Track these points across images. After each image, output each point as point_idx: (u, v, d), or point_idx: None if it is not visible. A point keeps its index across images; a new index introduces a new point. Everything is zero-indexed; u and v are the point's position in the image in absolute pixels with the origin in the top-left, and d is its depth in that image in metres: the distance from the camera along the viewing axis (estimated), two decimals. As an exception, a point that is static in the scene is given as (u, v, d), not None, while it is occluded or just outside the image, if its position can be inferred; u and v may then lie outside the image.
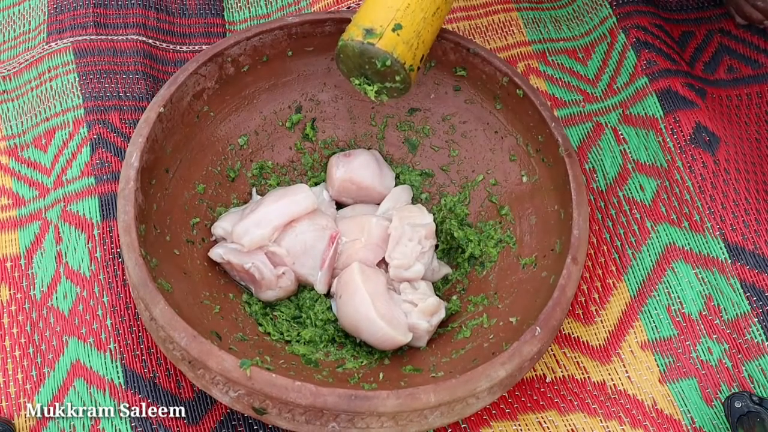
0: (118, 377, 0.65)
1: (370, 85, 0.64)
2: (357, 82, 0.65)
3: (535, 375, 0.67)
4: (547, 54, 0.84)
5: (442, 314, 0.67)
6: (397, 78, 0.63)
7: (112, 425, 0.64)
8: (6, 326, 0.68)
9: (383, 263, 0.69)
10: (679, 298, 0.70)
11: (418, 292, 0.67)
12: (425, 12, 0.63)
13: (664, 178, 0.74)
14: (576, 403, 0.66)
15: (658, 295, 0.70)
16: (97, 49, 0.80)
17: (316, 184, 0.76)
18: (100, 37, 0.81)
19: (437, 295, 0.69)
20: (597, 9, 0.85)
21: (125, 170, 0.64)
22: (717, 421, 0.65)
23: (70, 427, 0.64)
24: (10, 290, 0.69)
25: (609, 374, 0.67)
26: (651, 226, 0.73)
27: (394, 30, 0.62)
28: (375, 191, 0.74)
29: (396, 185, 0.75)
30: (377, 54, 0.62)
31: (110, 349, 0.66)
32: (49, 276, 0.70)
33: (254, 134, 0.75)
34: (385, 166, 0.75)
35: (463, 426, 0.65)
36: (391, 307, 0.65)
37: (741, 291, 0.69)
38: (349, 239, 0.69)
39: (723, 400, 0.64)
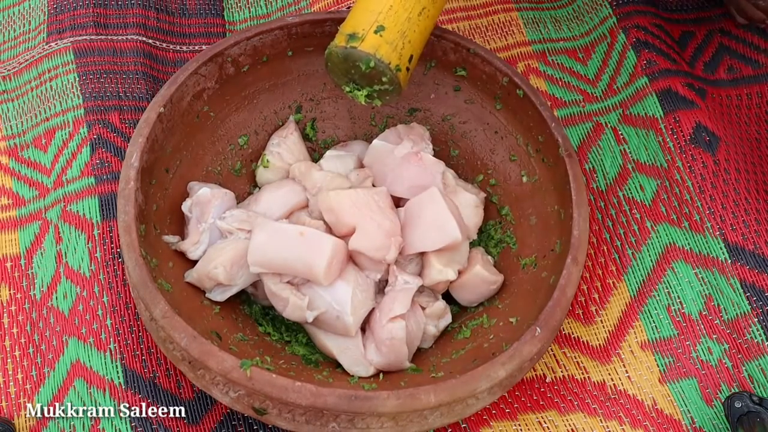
0: (118, 377, 0.65)
1: (359, 90, 0.64)
2: (347, 89, 0.65)
3: (535, 375, 0.67)
4: (547, 54, 0.84)
5: (448, 318, 0.67)
6: (384, 79, 0.63)
7: (112, 425, 0.64)
8: (6, 326, 0.68)
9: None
10: (679, 298, 0.70)
11: (424, 295, 0.67)
12: (409, 12, 0.63)
13: (664, 178, 0.74)
14: (576, 403, 0.66)
15: (658, 295, 0.70)
16: (97, 49, 0.80)
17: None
18: (100, 37, 0.81)
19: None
20: (597, 9, 0.84)
21: (125, 170, 0.64)
22: (717, 421, 0.65)
23: (70, 427, 0.64)
24: (10, 290, 0.69)
25: (609, 374, 0.67)
26: (651, 226, 0.72)
27: (376, 32, 0.62)
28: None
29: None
30: (360, 56, 0.62)
31: (110, 349, 0.66)
32: (49, 276, 0.70)
33: (254, 134, 0.75)
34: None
35: (463, 426, 0.65)
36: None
37: (741, 291, 0.69)
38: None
39: (723, 400, 0.64)
